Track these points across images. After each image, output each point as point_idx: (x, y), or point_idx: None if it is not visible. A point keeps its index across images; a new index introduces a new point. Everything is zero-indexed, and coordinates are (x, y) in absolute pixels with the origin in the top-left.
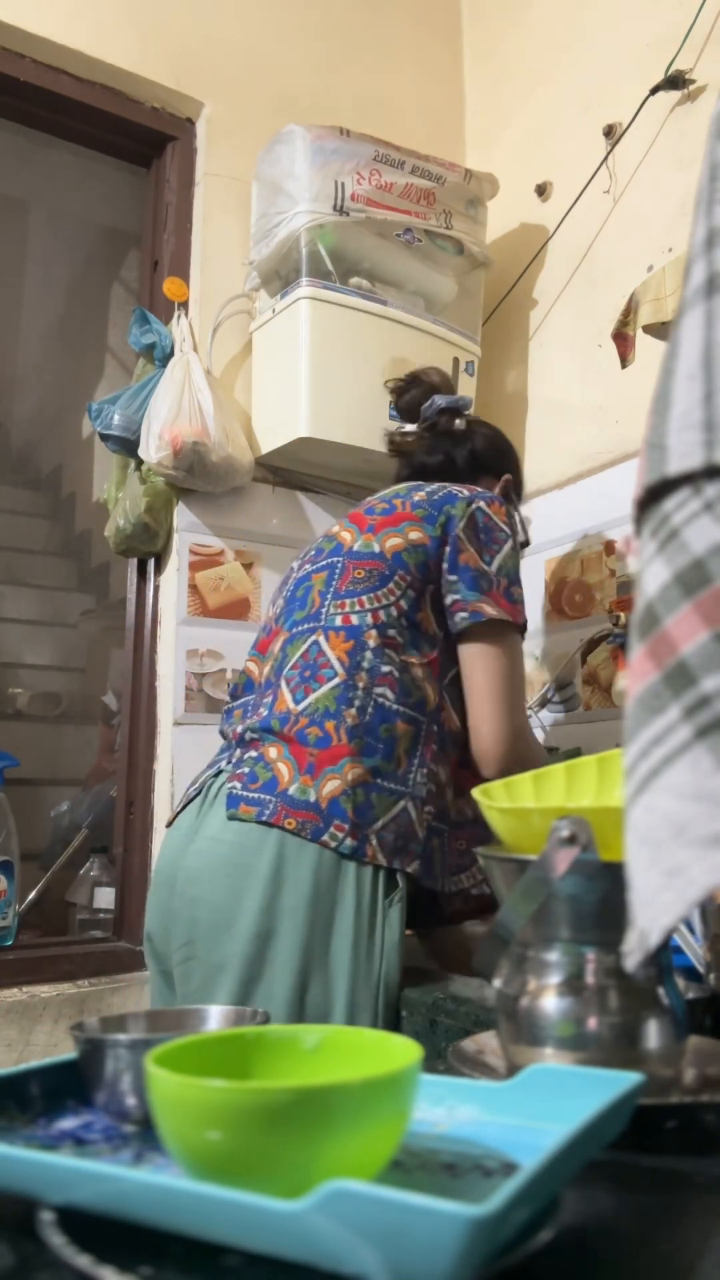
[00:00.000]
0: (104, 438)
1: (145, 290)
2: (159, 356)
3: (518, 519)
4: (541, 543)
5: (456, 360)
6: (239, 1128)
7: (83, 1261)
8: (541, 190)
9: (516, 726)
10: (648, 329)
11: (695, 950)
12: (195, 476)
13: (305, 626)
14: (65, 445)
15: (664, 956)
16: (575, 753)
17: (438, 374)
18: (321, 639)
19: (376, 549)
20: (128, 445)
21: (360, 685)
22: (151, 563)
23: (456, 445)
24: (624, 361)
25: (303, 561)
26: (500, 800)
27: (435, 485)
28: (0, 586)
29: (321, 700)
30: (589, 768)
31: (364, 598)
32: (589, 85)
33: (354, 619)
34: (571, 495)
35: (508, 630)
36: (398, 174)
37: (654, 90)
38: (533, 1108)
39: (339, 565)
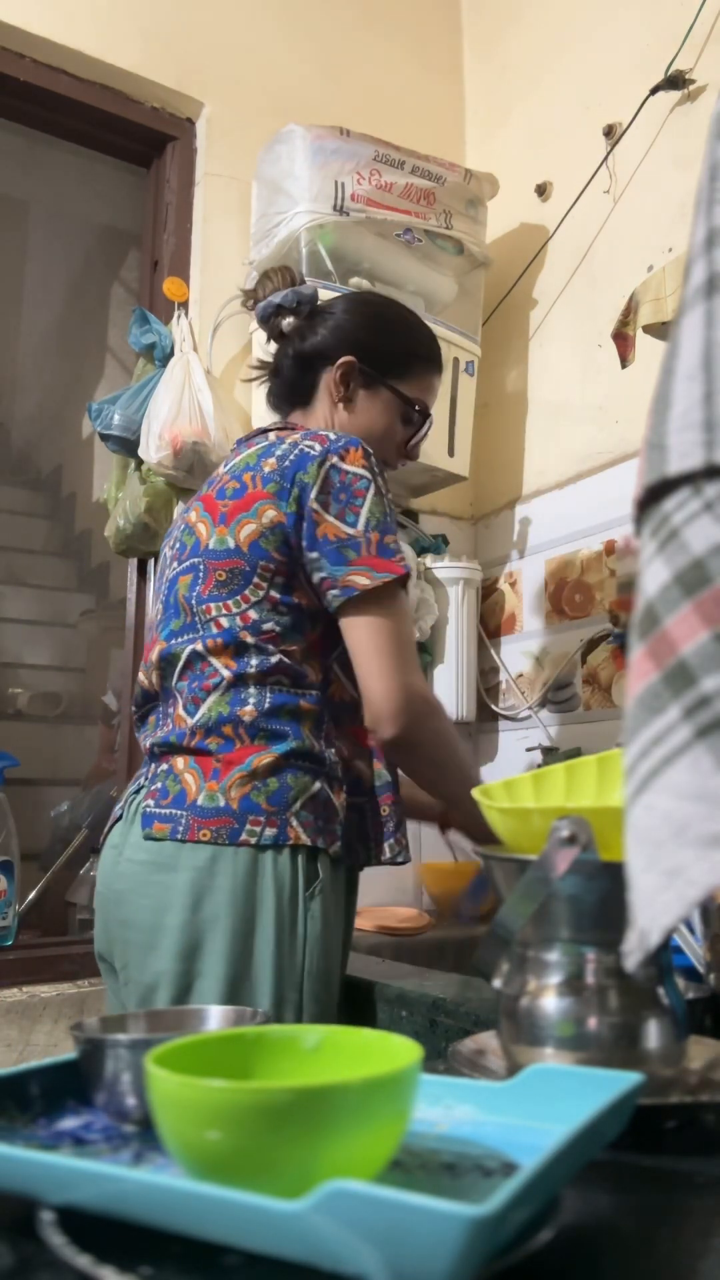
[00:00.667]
0: (104, 438)
1: (145, 290)
2: (159, 356)
3: (401, 395)
4: (541, 543)
5: (456, 360)
6: (239, 1128)
7: (83, 1261)
8: (541, 190)
9: (408, 684)
10: (648, 329)
11: (695, 950)
12: (195, 476)
13: (184, 637)
14: (65, 445)
15: (664, 956)
16: (575, 753)
17: (279, 275)
18: (200, 647)
19: (231, 543)
20: (128, 445)
21: (250, 684)
22: (151, 563)
23: (286, 350)
24: (624, 361)
25: (170, 556)
26: (500, 800)
27: (286, 446)
28: (0, 586)
29: (214, 708)
30: (589, 768)
31: (229, 601)
32: (589, 85)
33: (225, 623)
34: (571, 495)
35: (387, 591)
36: (398, 174)
37: (654, 90)
38: (533, 1108)
39: (200, 568)
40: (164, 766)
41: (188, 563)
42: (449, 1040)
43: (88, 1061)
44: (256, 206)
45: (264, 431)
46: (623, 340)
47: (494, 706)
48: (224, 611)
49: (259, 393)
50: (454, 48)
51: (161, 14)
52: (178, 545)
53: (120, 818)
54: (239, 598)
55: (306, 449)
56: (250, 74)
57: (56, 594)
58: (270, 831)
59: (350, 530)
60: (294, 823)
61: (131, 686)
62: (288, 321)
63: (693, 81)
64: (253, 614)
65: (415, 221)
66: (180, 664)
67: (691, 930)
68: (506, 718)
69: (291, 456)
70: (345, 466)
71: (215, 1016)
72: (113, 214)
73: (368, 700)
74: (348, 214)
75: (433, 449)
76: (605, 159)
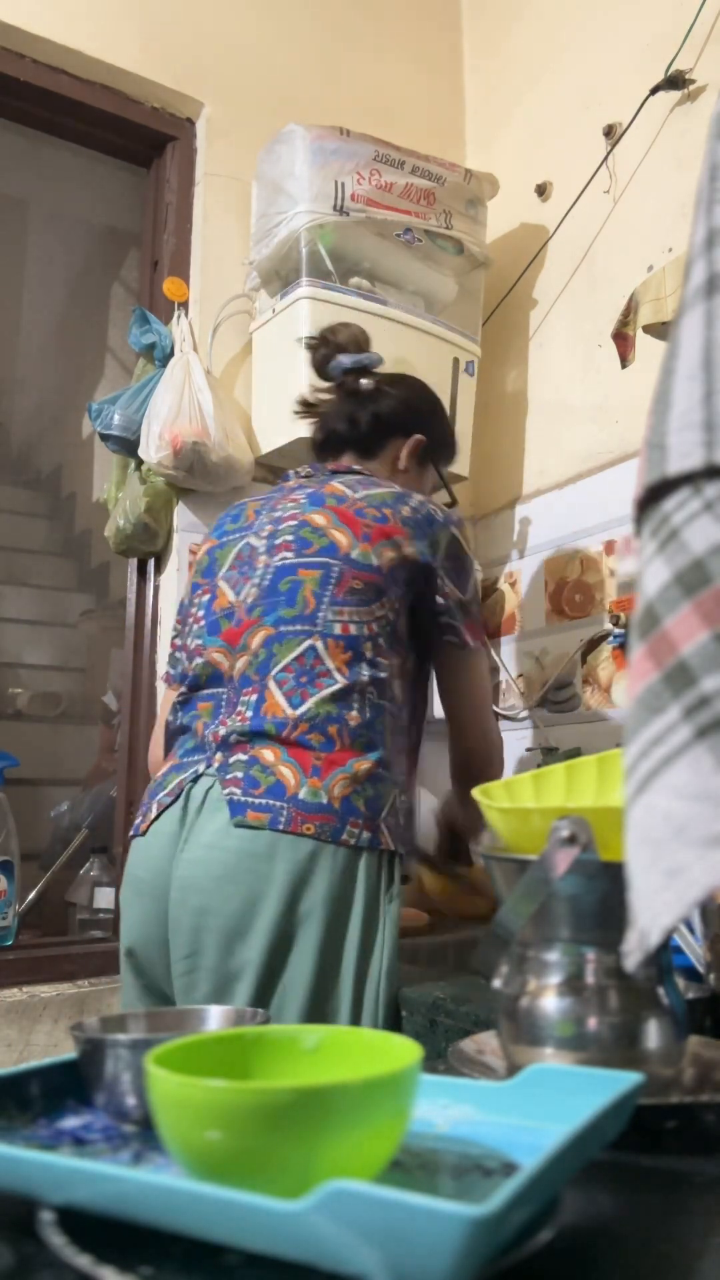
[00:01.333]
0: (104, 438)
1: (145, 290)
2: (159, 356)
3: (443, 478)
4: (541, 543)
5: (456, 360)
6: (239, 1128)
7: (83, 1261)
8: (541, 190)
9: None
10: (648, 329)
11: (695, 950)
12: (195, 476)
13: (298, 628)
14: (65, 445)
15: (664, 956)
16: (575, 753)
17: (347, 331)
18: (319, 644)
19: (375, 562)
20: (128, 445)
21: (358, 690)
22: (151, 563)
23: (361, 407)
24: (624, 361)
25: (273, 545)
26: (500, 800)
27: (416, 501)
28: (0, 586)
29: (322, 706)
30: (589, 768)
31: (361, 610)
32: (589, 85)
33: (352, 629)
34: (571, 495)
35: (485, 654)
36: (398, 174)
37: (654, 90)
38: (533, 1108)
39: (336, 570)
40: (243, 756)
41: (317, 560)
42: (449, 1040)
43: (87, 1061)
44: (256, 206)
45: (352, 471)
46: (623, 340)
47: (494, 707)
48: (354, 618)
49: (259, 394)
50: (454, 48)
51: (161, 14)
52: (293, 540)
53: (174, 804)
54: (369, 608)
55: (433, 511)
56: (250, 74)
57: (56, 594)
58: (366, 834)
59: (465, 596)
60: (384, 828)
61: (132, 685)
62: (365, 382)
63: (693, 81)
64: (375, 626)
65: (415, 221)
66: (291, 655)
67: (691, 930)
68: (506, 718)
69: (424, 512)
70: (461, 539)
71: (215, 1016)
72: (113, 214)
73: (484, 739)
74: (348, 214)
75: None
76: (605, 159)
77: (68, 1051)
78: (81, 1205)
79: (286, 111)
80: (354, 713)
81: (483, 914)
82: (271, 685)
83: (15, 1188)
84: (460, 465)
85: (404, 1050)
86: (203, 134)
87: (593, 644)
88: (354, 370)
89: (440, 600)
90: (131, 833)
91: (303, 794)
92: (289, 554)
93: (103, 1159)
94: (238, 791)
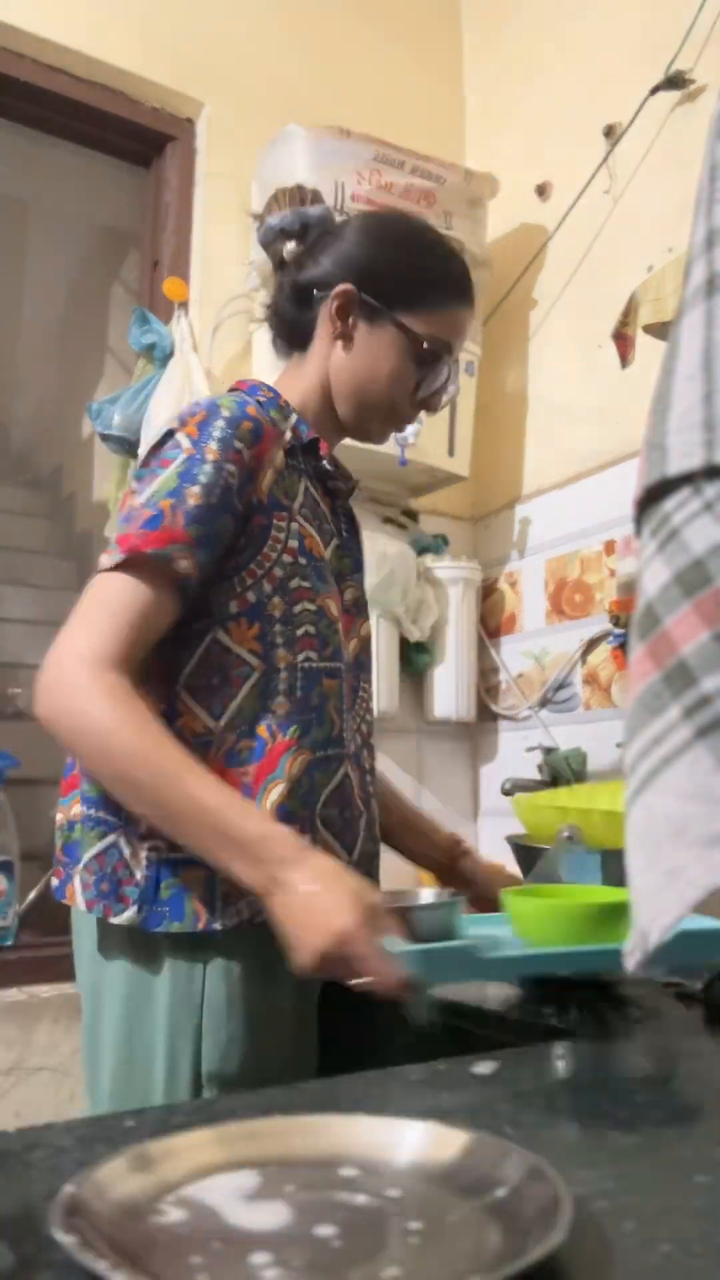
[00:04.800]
0: (104, 438)
1: (145, 290)
2: (159, 356)
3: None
4: (541, 543)
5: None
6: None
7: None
8: (541, 190)
9: (68, 643)
10: (648, 329)
11: None
12: None
13: None
14: (65, 445)
15: None
16: (575, 753)
17: (287, 194)
18: None
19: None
20: (128, 445)
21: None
22: None
23: (287, 278)
24: (624, 361)
25: None
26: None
27: (164, 433)
28: (0, 586)
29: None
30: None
31: None
32: (589, 85)
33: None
34: (571, 495)
35: (128, 565)
36: (398, 174)
37: (654, 90)
38: None
39: None
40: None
41: None
42: (449, 1040)
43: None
44: (256, 206)
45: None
46: (623, 340)
47: (494, 706)
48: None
49: None
50: (454, 47)
51: (161, 14)
52: None
53: None
54: None
55: (177, 418)
56: (250, 74)
57: (56, 594)
58: (55, 881)
59: (134, 501)
60: (77, 881)
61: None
62: (289, 248)
63: (693, 81)
64: None
65: None
66: None
67: None
68: (506, 718)
69: (161, 437)
70: (176, 436)
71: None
72: (113, 214)
73: (46, 669)
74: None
75: (433, 449)
76: (605, 159)
77: (67, 1051)
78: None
79: (286, 111)
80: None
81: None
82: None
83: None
84: (460, 465)
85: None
86: (203, 134)
87: (593, 644)
88: (284, 233)
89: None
90: None
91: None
92: None
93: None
94: None
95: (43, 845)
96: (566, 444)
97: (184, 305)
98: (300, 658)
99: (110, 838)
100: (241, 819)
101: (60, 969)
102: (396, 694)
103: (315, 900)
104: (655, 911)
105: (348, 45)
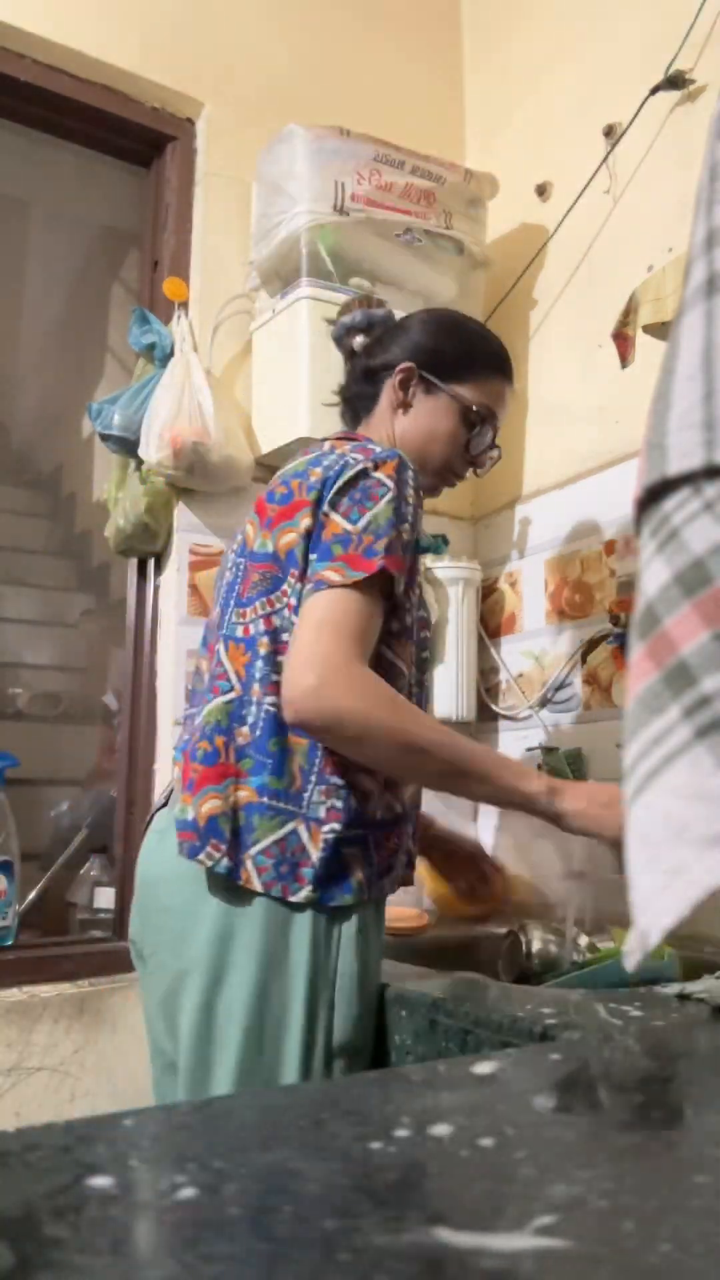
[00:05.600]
0: (104, 438)
1: (145, 290)
2: (159, 356)
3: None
4: (541, 543)
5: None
6: None
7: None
8: (541, 190)
9: (327, 653)
10: (648, 329)
11: None
12: (195, 476)
13: (212, 637)
14: (65, 445)
15: None
16: (575, 753)
17: (354, 299)
18: (220, 648)
19: (271, 548)
20: (128, 445)
21: (254, 698)
22: (151, 563)
23: (355, 365)
24: (624, 361)
25: (225, 561)
26: None
27: (334, 456)
28: (0, 586)
29: (213, 714)
30: None
31: (258, 603)
32: (589, 85)
33: (250, 629)
34: (571, 495)
35: (357, 586)
36: (398, 174)
37: (654, 90)
38: None
39: (242, 568)
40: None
41: (231, 563)
42: (449, 1040)
43: None
44: (256, 206)
45: (325, 440)
46: (623, 340)
47: (494, 706)
48: (252, 615)
49: (259, 393)
50: (454, 48)
51: (161, 14)
52: (229, 551)
53: (164, 805)
54: (265, 600)
55: (351, 459)
56: (250, 74)
57: (56, 594)
58: (226, 862)
59: (348, 526)
60: (248, 864)
61: (132, 685)
62: (358, 340)
63: (693, 81)
64: (275, 620)
65: (415, 221)
66: (208, 665)
67: None
68: (506, 718)
69: (336, 467)
70: (375, 475)
71: None
72: (113, 214)
73: (290, 683)
74: (348, 214)
75: None
76: (605, 159)
77: (68, 1051)
78: None
79: (286, 111)
80: (244, 728)
81: (482, 915)
82: (201, 697)
83: None
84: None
85: None
86: (203, 134)
87: (593, 644)
88: (353, 329)
89: (312, 555)
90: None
91: (177, 810)
92: (226, 569)
93: None
94: None
95: (43, 845)
96: (566, 444)
97: (184, 305)
98: (415, 673)
99: (290, 825)
100: (507, 760)
101: (60, 969)
102: None
103: (603, 790)
104: (656, 912)
105: (348, 45)
